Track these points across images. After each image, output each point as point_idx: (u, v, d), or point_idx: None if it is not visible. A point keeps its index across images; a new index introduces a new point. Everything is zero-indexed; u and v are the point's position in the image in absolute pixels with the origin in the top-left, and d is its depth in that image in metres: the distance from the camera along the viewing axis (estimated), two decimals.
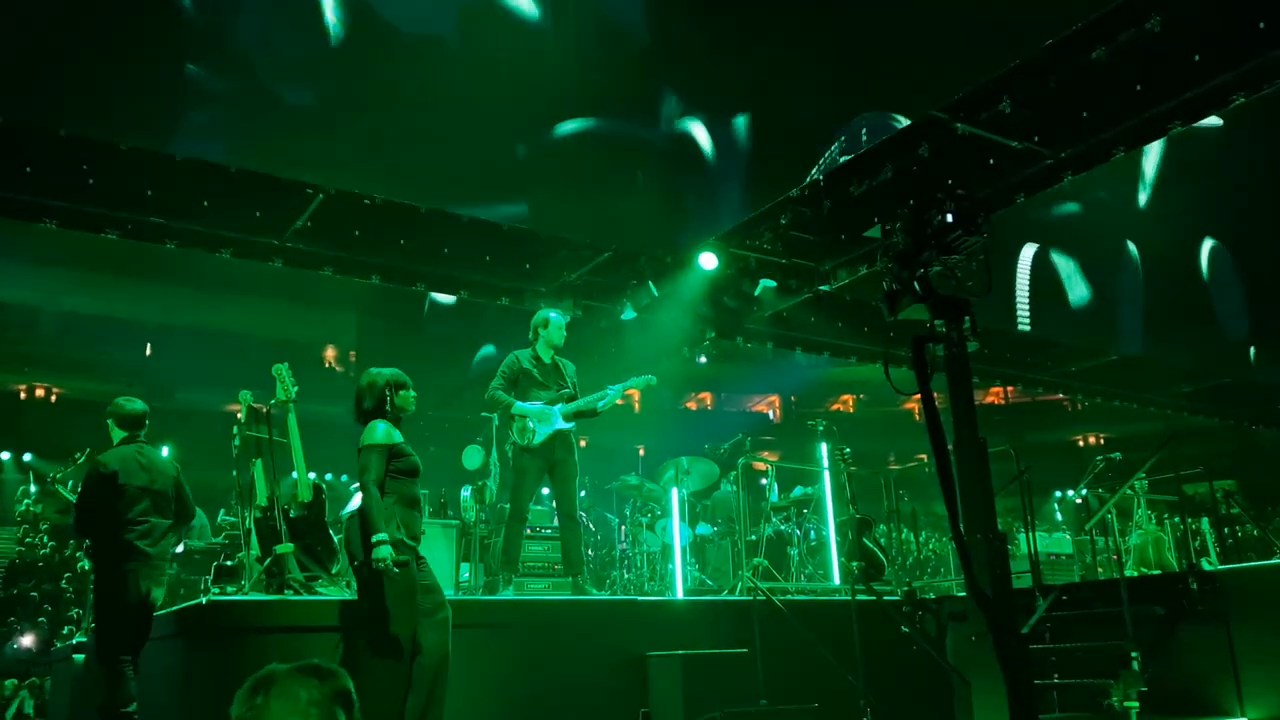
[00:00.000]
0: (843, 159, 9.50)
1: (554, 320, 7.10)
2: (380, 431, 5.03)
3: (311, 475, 6.47)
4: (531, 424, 6.81)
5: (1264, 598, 5.73)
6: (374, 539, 4.75)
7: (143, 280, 22.36)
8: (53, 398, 26.88)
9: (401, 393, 5.18)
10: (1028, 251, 35.70)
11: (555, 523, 7.90)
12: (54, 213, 7.91)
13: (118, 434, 5.79)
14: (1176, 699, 5.78)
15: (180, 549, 7.65)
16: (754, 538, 9.03)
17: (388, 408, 5.12)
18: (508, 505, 7.11)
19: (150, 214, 8.16)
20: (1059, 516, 19.79)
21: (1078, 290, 36.32)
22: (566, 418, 6.88)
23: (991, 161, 7.88)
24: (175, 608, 5.95)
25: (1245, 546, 14.14)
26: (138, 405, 5.87)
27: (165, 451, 6.37)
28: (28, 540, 20.53)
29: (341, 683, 2.12)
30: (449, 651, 4.97)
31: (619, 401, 7.06)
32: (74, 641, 9.33)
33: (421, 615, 4.87)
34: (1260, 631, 5.67)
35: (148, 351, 26.86)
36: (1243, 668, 5.70)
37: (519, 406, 6.85)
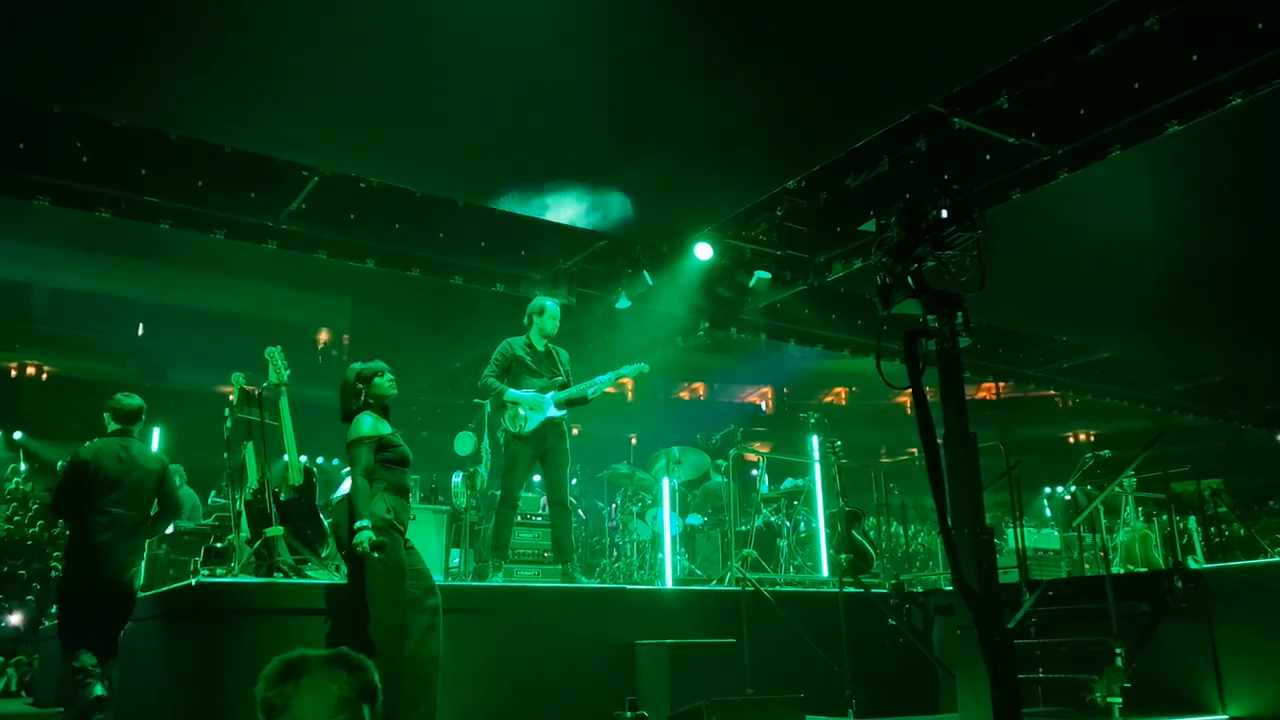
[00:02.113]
0: None
1: (549, 308, 7.08)
2: (366, 424, 5.02)
3: (303, 459, 6.45)
4: (524, 411, 6.80)
5: (1248, 596, 5.77)
6: (356, 525, 4.77)
7: (136, 259, 22.17)
8: (44, 376, 26.77)
9: (375, 380, 5.16)
10: None
11: (546, 510, 7.91)
12: (47, 190, 7.87)
13: (112, 426, 5.97)
14: (1159, 695, 5.82)
15: (170, 530, 7.65)
16: (744, 528, 9.05)
17: (367, 400, 5.12)
18: (499, 492, 7.10)
19: (144, 193, 8.14)
20: (1047, 512, 19.84)
21: None
22: (559, 405, 6.87)
23: (988, 157, 7.90)
24: (164, 589, 5.96)
25: (1232, 545, 14.22)
26: (134, 401, 6.04)
27: (155, 445, 6.40)
28: (16, 518, 20.50)
29: (369, 676, 2.08)
30: (440, 639, 4.97)
31: (610, 389, 7.05)
32: None
33: (409, 601, 4.88)
34: (1243, 630, 5.71)
35: (140, 331, 26.73)
36: (1224, 665, 5.74)
37: (511, 394, 6.84)
